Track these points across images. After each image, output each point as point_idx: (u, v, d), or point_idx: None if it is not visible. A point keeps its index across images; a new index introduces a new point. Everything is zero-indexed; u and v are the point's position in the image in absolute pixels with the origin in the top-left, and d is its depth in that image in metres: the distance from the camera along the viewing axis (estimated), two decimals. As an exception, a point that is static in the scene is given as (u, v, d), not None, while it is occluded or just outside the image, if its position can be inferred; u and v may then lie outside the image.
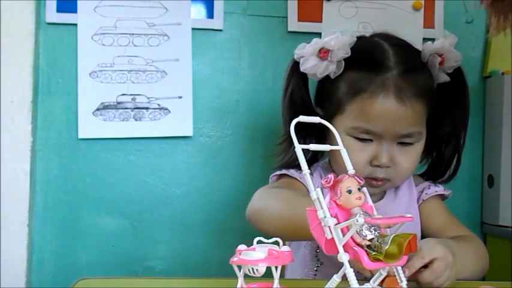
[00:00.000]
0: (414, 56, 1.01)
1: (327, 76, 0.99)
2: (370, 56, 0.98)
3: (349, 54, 0.96)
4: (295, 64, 1.01)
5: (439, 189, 1.08)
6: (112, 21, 1.33)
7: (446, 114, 1.04)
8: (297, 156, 0.61)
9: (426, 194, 1.06)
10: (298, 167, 1.03)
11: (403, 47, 1.00)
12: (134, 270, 1.34)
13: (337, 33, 0.97)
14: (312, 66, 0.97)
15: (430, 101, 0.98)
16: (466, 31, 1.47)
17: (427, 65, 1.00)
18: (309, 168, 0.60)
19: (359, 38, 1.00)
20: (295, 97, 1.02)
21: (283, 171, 1.04)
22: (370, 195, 0.62)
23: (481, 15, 1.47)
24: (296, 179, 1.02)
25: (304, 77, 1.02)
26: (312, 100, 1.05)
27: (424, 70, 1.00)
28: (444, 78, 1.02)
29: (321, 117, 0.67)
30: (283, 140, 1.06)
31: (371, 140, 0.95)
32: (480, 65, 1.47)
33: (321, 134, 1.01)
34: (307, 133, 1.01)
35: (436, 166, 1.09)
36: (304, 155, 0.58)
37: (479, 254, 0.94)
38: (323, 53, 0.96)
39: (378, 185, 0.98)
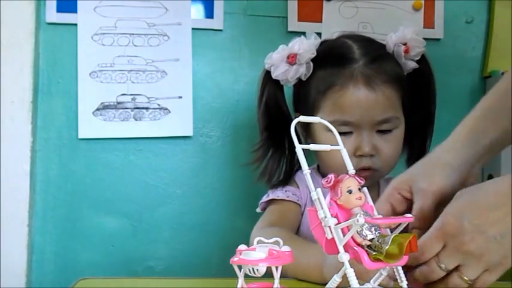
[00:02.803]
0: (378, 47, 1.05)
1: (300, 80, 1.03)
2: (336, 53, 1.03)
3: (315, 54, 1.01)
4: (267, 73, 1.05)
5: None
6: (112, 21, 1.33)
7: (415, 103, 1.06)
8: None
9: None
10: (281, 181, 1.06)
11: (366, 41, 1.05)
12: (134, 270, 1.34)
13: (301, 37, 1.03)
14: (283, 72, 1.02)
15: (401, 87, 1.01)
16: (466, 31, 1.47)
17: (393, 55, 1.04)
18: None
19: (325, 41, 1.07)
20: (270, 105, 1.06)
21: (270, 196, 1.05)
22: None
23: (481, 15, 1.47)
24: (284, 199, 1.04)
25: (278, 85, 1.06)
26: (288, 108, 1.09)
27: (390, 59, 1.04)
28: (412, 65, 1.06)
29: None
30: (258, 147, 1.08)
31: (351, 133, 0.98)
32: (480, 65, 1.47)
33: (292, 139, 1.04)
34: (281, 138, 1.06)
35: (409, 159, 1.11)
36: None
37: None
38: (291, 58, 1.01)
39: (366, 176, 0.99)
